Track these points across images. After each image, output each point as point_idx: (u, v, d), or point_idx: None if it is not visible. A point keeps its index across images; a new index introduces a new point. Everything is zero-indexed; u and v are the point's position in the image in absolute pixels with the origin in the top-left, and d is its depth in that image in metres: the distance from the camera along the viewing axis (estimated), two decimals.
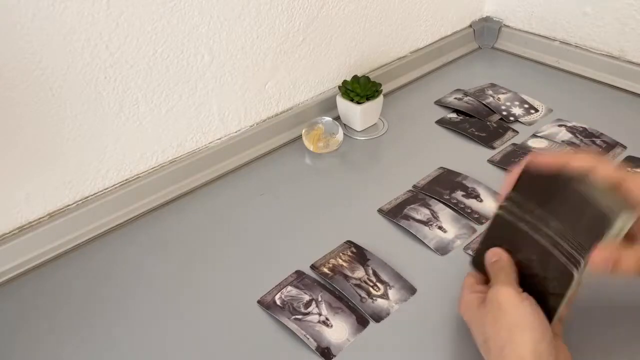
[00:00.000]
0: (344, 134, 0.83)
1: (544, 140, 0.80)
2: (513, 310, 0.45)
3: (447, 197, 0.71)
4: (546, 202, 0.49)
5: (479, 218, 0.68)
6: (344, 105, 0.85)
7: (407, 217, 0.68)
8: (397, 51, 0.98)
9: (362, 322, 0.56)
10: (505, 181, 0.52)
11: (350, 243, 0.65)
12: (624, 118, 0.86)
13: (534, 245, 0.49)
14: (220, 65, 0.73)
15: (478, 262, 0.54)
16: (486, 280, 0.52)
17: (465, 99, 0.92)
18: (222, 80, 0.75)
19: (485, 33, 1.10)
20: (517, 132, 0.84)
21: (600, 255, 0.44)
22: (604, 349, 0.53)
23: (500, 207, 0.52)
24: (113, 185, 0.71)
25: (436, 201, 0.71)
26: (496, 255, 0.51)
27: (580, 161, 0.48)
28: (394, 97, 0.95)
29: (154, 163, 0.73)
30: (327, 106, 0.88)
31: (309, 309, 0.57)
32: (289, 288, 0.60)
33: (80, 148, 0.66)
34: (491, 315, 0.46)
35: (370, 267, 0.62)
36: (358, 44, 0.90)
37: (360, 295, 0.59)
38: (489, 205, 0.70)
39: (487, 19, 1.10)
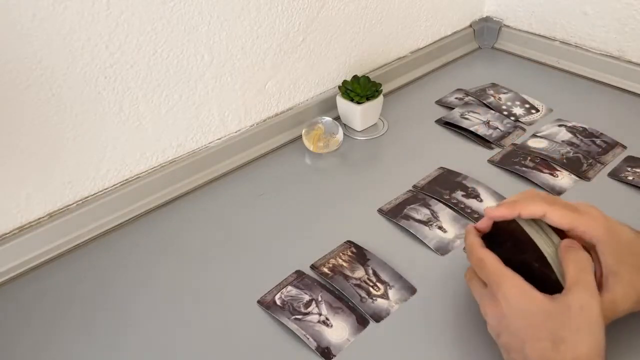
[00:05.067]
0: (344, 134, 0.83)
1: (544, 140, 0.80)
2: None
3: (447, 197, 0.71)
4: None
5: (478, 218, 0.68)
6: (344, 105, 0.85)
7: (407, 217, 0.68)
8: (397, 51, 0.98)
9: (362, 322, 0.56)
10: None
11: (350, 243, 0.65)
12: (624, 118, 0.86)
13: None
14: (220, 65, 0.73)
15: None
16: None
17: (466, 98, 0.92)
18: (222, 80, 0.75)
19: (485, 33, 1.10)
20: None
21: None
22: None
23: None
24: (113, 185, 0.71)
25: (436, 201, 0.71)
26: (574, 243, 0.47)
27: (531, 208, 0.49)
28: (394, 97, 0.95)
29: (154, 163, 0.74)
30: (327, 106, 0.88)
31: (309, 309, 0.57)
32: (289, 288, 0.60)
33: (80, 148, 0.66)
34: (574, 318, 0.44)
35: (370, 267, 0.62)
36: (358, 44, 0.90)
37: (360, 295, 0.59)
38: (489, 205, 0.69)
39: (487, 19, 1.10)
